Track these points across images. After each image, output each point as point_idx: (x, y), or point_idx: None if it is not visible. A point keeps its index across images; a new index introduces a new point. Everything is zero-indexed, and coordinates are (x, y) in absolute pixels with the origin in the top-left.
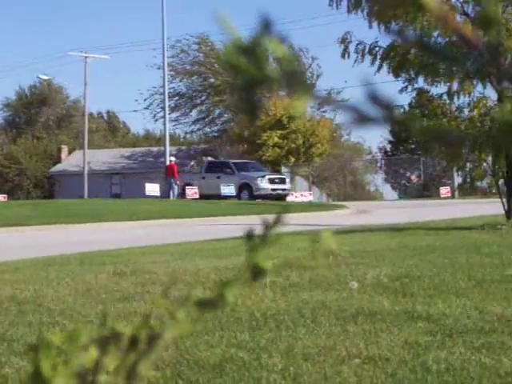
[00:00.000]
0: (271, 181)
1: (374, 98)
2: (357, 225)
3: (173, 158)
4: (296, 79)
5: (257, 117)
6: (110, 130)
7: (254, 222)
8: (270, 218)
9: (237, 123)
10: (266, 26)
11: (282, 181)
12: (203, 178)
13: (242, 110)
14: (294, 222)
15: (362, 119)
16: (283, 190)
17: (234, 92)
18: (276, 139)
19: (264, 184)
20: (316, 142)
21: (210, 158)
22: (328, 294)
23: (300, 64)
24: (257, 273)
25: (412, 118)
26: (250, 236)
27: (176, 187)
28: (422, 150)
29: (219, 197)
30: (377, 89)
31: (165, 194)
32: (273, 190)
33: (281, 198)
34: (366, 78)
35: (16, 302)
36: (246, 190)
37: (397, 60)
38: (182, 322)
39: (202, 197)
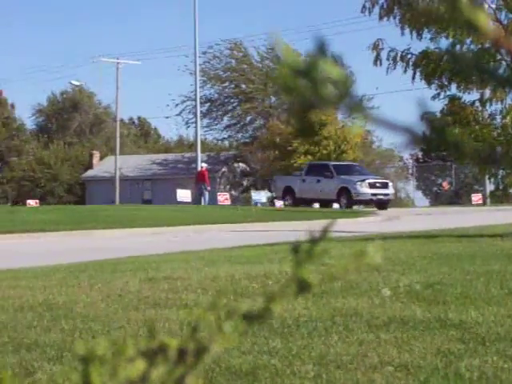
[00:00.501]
0: (372, 185)
1: (429, 121)
2: (388, 232)
3: (204, 165)
4: (352, 101)
5: (312, 137)
6: (142, 135)
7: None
8: (317, 231)
9: (268, 129)
10: (322, 47)
11: (384, 185)
12: (303, 180)
13: (297, 131)
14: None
15: (416, 141)
16: (385, 195)
17: (290, 114)
18: (307, 146)
19: (364, 189)
20: (347, 149)
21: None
22: (360, 301)
23: (355, 85)
24: (303, 287)
25: (464, 140)
26: (296, 249)
27: (207, 193)
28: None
29: (319, 202)
30: (431, 110)
31: (196, 201)
32: (373, 195)
33: (383, 203)
34: (420, 98)
35: (48, 307)
36: (345, 194)
37: (429, 67)
38: (229, 335)
39: (300, 202)
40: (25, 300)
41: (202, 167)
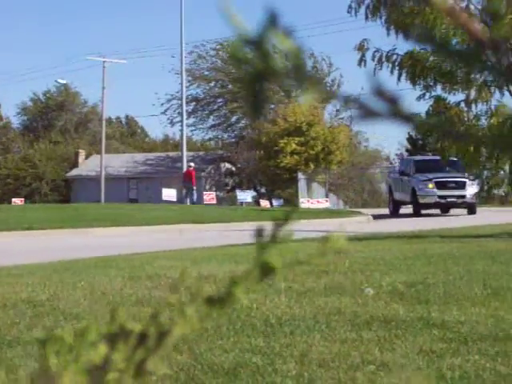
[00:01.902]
0: (440, 185)
1: (380, 92)
2: (372, 232)
3: (192, 164)
4: (302, 72)
5: (262, 111)
6: (129, 134)
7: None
8: (280, 216)
9: (254, 129)
10: (273, 19)
11: (460, 185)
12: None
13: (248, 103)
14: (310, 228)
15: (368, 113)
16: (459, 197)
17: (240, 86)
18: (294, 146)
19: (429, 189)
20: (335, 150)
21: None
22: (343, 300)
23: (306, 57)
24: (266, 271)
25: (417, 114)
26: (259, 234)
27: (194, 193)
28: (440, 157)
29: (415, 204)
30: (383, 83)
31: (181, 200)
32: (441, 197)
33: (455, 207)
34: (371, 73)
35: (32, 304)
36: (414, 197)
37: (415, 67)
38: (191, 319)
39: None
40: (8, 297)
41: (189, 166)
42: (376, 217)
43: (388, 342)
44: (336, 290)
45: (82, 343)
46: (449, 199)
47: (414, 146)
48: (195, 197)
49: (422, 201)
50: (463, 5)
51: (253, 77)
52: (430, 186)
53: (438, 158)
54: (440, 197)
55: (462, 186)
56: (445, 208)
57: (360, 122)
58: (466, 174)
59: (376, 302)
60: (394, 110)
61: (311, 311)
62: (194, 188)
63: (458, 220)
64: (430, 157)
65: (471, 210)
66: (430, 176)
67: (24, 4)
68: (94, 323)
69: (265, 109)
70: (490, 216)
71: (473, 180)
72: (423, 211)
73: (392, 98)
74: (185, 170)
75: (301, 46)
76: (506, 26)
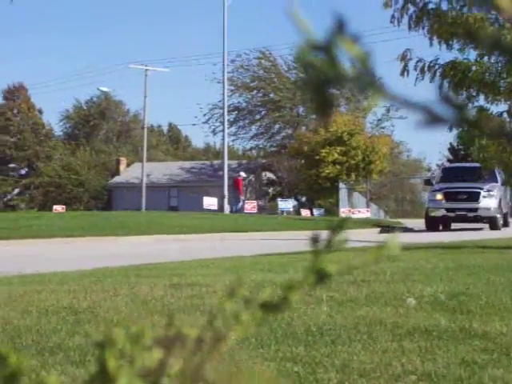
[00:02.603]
0: (449, 196)
1: (447, 98)
2: (413, 242)
3: (242, 173)
4: (369, 78)
5: (329, 116)
6: (172, 142)
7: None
8: (334, 223)
9: (296, 138)
10: (340, 25)
11: (472, 196)
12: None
13: (314, 108)
14: (351, 238)
15: (434, 119)
16: (470, 210)
17: (307, 90)
18: (336, 155)
19: (437, 202)
20: (375, 159)
21: None
22: (385, 310)
23: (373, 63)
24: (321, 277)
25: (485, 116)
26: (315, 240)
27: (239, 202)
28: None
29: (425, 218)
30: (449, 90)
31: (224, 208)
32: (450, 210)
33: (469, 221)
34: (438, 80)
35: (73, 311)
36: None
37: (457, 77)
38: (246, 324)
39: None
40: (49, 304)
41: (239, 176)
42: (408, 230)
43: (429, 352)
44: (377, 299)
45: (137, 347)
46: (458, 212)
47: (456, 155)
48: (239, 206)
49: (431, 214)
50: None
51: (320, 82)
52: (439, 197)
53: (469, 164)
54: (448, 210)
55: (475, 197)
56: (455, 222)
57: (425, 127)
58: (490, 185)
59: (417, 312)
60: (462, 117)
61: (352, 321)
62: (241, 198)
63: (499, 230)
64: (460, 164)
65: (493, 225)
66: (445, 186)
67: (68, 11)
68: (147, 328)
69: (332, 113)
70: None
71: (489, 191)
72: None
73: (460, 104)
74: (235, 178)
75: (368, 51)
76: None
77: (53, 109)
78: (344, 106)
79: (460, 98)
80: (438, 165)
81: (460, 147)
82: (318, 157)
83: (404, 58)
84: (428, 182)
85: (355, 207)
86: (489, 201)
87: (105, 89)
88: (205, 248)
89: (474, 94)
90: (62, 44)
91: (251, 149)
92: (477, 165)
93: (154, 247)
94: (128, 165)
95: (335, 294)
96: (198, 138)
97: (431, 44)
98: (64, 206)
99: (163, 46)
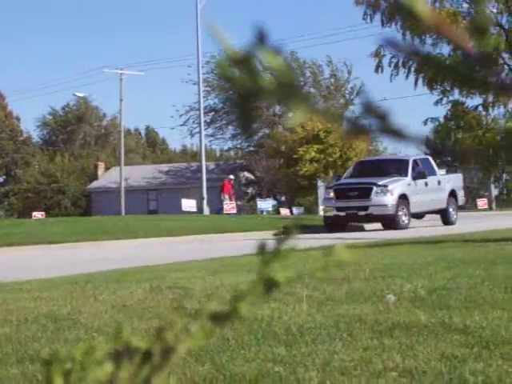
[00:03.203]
0: (340, 193)
1: (369, 108)
2: (393, 237)
3: (231, 177)
4: (291, 90)
5: (252, 128)
6: (149, 145)
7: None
8: (281, 231)
9: (273, 138)
10: (261, 37)
11: (363, 193)
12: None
13: (237, 122)
14: (324, 236)
15: (358, 130)
16: (360, 208)
17: (229, 104)
18: (313, 153)
19: (330, 199)
20: (353, 156)
21: None
22: (364, 307)
23: (295, 75)
24: (270, 286)
25: (403, 130)
26: (262, 249)
27: (223, 204)
28: (459, 162)
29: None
30: (372, 98)
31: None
32: (340, 209)
33: (361, 220)
34: (362, 88)
35: (53, 318)
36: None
37: (431, 72)
38: (196, 336)
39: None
40: (29, 311)
41: (230, 180)
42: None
43: (410, 348)
44: (357, 297)
45: (88, 362)
46: (348, 211)
47: (433, 150)
48: (223, 208)
49: (326, 213)
50: (452, 19)
51: (241, 95)
52: (331, 195)
53: (385, 157)
54: (338, 208)
55: (367, 194)
56: (350, 222)
57: (351, 137)
58: (390, 180)
59: (397, 309)
60: (384, 126)
61: (332, 319)
62: (225, 201)
63: (479, 224)
64: (376, 157)
65: (390, 224)
66: (339, 182)
67: (42, 19)
68: (101, 342)
69: (254, 126)
70: (510, 220)
71: (383, 186)
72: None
73: (381, 114)
74: (223, 181)
75: (289, 63)
76: (491, 40)
77: (30, 116)
78: (321, 105)
79: (383, 107)
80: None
81: (436, 142)
82: (295, 155)
83: (378, 54)
84: (338, 178)
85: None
86: (383, 197)
87: (80, 94)
88: (186, 250)
89: (449, 88)
90: (38, 51)
91: (229, 149)
92: (393, 157)
93: (136, 251)
94: (106, 169)
95: (315, 292)
96: (175, 140)
97: (404, 40)
98: (43, 213)
99: (137, 50)
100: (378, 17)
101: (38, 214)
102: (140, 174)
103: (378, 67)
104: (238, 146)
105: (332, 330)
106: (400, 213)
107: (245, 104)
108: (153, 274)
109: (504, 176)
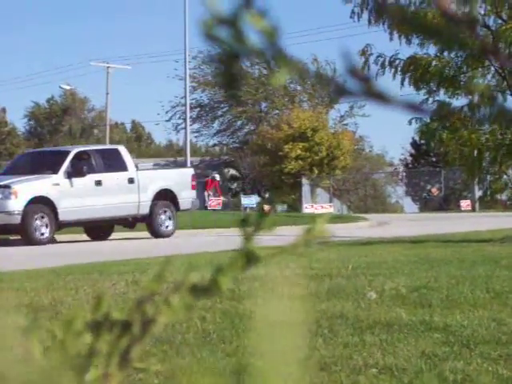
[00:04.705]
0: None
1: (353, 71)
2: (376, 236)
3: (216, 175)
4: (276, 51)
5: (236, 89)
6: (135, 139)
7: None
8: (264, 206)
9: (259, 134)
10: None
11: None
12: None
13: (221, 82)
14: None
15: (341, 92)
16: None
17: (213, 64)
18: (299, 151)
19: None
20: (339, 155)
21: None
22: (346, 304)
23: (280, 37)
24: (251, 259)
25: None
26: (244, 222)
27: (207, 200)
28: (444, 161)
29: None
30: (356, 62)
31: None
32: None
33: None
34: (346, 51)
35: (34, 309)
36: None
37: (417, 72)
38: (176, 308)
39: None
40: (10, 302)
41: (214, 178)
42: None
43: (390, 345)
44: (339, 294)
45: (67, 332)
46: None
47: (418, 150)
48: (206, 203)
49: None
50: None
51: (226, 56)
52: None
53: (48, 149)
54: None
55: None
56: None
57: (334, 99)
58: (24, 178)
59: (378, 306)
60: (367, 89)
61: (313, 315)
62: (209, 196)
63: (461, 225)
64: (39, 149)
65: (22, 237)
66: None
67: (28, 10)
68: (80, 312)
69: (239, 87)
70: (493, 222)
71: (5, 187)
72: None
73: (365, 77)
74: (207, 178)
75: (275, 25)
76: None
77: (16, 107)
78: (306, 102)
79: (366, 72)
80: (400, 159)
81: (422, 142)
82: (281, 153)
83: (364, 53)
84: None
85: (318, 203)
86: (5, 202)
87: (67, 86)
88: (171, 244)
89: (435, 88)
90: (25, 42)
91: (214, 145)
92: (54, 149)
93: (121, 244)
94: None
95: (296, 289)
96: (161, 135)
97: (391, 39)
98: None
99: (125, 43)
100: (365, 15)
101: None
102: None
103: (365, 66)
104: (224, 142)
105: (313, 327)
106: (37, 222)
107: (229, 64)
108: (134, 266)
109: (488, 177)
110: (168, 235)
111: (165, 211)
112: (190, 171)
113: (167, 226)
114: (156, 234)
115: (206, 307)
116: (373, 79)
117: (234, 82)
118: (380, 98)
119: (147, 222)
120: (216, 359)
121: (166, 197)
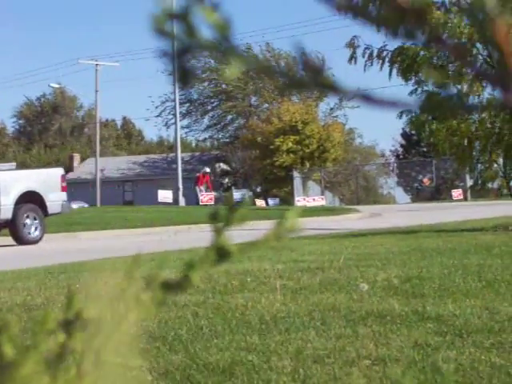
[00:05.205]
0: None
1: (305, 62)
2: (368, 228)
3: (207, 169)
4: (228, 44)
5: (189, 83)
6: (125, 137)
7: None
8: (235, 199)
9: (249, 129)
10: None
11: None
12: None
13: (176, 76)
14: (306, 226)
15: (293, 83)
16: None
17: (165, 60)
18: (290, 144)
19: None
20: (330, 148)
21: None
22: (338, 296)
23: (232, 31)
24: (222, 254)
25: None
26: (214, 218)
27: (198, 196)
28: (434, 151)
29: None
30: (308, 53)
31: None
32: None
33: None
34: (298, 43)
35: (27, 308)
36: None
37: (405, 63)
38: (147, 305)
39: None
40: (3, 302)
41: (205, 173)
42: None
43: (383, 336)
44: (331, 286)
45: (40, 331)
46: None
47: (409, 141)
48: (198, 199)
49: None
50: None
51: (178, 50)
52: None
53: None
54: None
55: None
56: None
57: (286, 91)
58: None
59: (371, 298)
60: (318, 80)
61: (306, 308)
62: (201, 192)
63: (453, 214)
64: None
65: None
66: None
67: (15, 8)
68: (52, 311)
69: (192, 81)
70: (484, 210)
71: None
72: None
73: (316, 67)
74: (198, 174)
75: (227, 18)
76: None
77: (5, 106)
78: (296, 95)
79: (318, 61)
80: (391, 150)
81: (412, 132)
82: (272, 146)
83: (352, 45)
84: None
85: (310, 195)
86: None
87: (56, 85)
88: (162, 241)
89: (423, 78)
90: (13, 41)
91: (204, 140)
92: None
93: (113, 242)
94: (82, 160)
95: (289, 282)
96: (152, 131)
97: (378, 30)
98: None
99: (112, 41)
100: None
101: None
102: (116, 165)
103: (352, 58)
104: (214, 137)
105: (305, 319)
106: None
107: (182, 58)
108: (126, 265)
109: (478, 166)
110: (35, 241)
111: (30, 215)
112: (59, 171)
113: (33, 232)
114: (21, 240)
115: (198, 302)
116: (324, 69)
117: (187, 76)
118: (330, 88)
119: (10, 228)
120: (209, 354)
121: (32, 200)
